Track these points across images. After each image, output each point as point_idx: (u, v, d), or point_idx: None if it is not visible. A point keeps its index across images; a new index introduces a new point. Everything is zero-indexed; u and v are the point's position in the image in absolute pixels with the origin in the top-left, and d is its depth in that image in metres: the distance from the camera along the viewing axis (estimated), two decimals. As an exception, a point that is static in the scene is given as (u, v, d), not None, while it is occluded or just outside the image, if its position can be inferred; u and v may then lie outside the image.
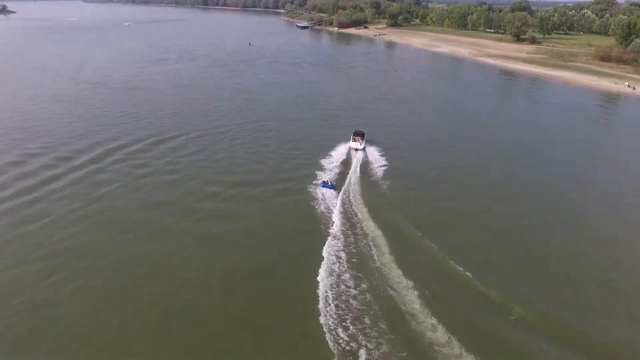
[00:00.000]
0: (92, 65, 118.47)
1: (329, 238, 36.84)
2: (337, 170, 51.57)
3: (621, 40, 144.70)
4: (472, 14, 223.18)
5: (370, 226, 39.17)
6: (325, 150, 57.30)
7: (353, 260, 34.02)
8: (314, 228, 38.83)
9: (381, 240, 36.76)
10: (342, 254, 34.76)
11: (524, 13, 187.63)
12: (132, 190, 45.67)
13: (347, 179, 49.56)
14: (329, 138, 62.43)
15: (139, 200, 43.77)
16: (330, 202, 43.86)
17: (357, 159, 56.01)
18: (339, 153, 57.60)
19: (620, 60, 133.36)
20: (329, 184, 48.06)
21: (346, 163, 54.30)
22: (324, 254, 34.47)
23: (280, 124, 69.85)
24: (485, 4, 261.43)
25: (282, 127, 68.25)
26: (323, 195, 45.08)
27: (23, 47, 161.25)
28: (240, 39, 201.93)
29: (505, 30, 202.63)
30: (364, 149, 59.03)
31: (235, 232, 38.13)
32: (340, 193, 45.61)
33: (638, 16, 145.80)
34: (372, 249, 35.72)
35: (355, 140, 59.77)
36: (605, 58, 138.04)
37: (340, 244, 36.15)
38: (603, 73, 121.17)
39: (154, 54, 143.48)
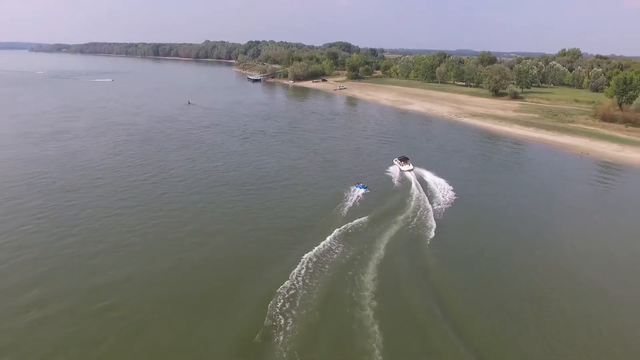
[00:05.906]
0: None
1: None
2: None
3: (618, 97, 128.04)
4: (439, 65, 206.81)
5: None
6: None
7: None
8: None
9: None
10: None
11: (502, 66, 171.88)
12: None
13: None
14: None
15: None
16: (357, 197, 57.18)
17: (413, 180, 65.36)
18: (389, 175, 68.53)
19: (626, 121, 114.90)
20: (362, 184, 62.10)
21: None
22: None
23: (214, 278, 37.97)
24: (444, 54, 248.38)
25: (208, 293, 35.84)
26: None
27: None
28: (182, 95, 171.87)
29: (476, 84, 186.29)
30: (412, 169, 69.54)
31: None
32: None
33: (634, 71, 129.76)
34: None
35: (405, 164, 70.80)
36: (607, 118, 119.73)
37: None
38: (620, 139, 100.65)
39: (57, 121, 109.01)
